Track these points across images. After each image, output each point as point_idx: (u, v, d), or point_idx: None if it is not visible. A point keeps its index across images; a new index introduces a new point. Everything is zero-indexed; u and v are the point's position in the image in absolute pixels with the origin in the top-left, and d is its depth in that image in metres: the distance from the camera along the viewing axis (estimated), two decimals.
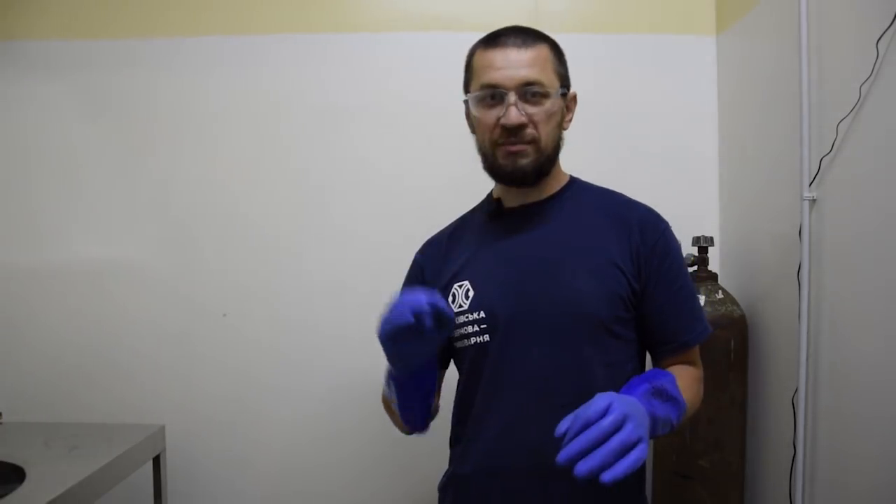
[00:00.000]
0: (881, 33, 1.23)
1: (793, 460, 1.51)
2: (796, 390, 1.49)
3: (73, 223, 1.98)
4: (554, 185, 1.16)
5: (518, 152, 1.08)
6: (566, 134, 1.15)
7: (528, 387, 1.07)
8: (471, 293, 1.12)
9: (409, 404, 1.15)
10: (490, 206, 1.21)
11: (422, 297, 0.94)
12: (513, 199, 1.17)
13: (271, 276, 1.97)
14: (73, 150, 1.97)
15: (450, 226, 1.27)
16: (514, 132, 1.06)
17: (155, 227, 1.97)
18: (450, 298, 1.14)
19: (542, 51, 1.08)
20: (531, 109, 1.06)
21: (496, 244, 1.15)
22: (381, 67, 1.97)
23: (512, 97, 1.05)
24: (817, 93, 1.45)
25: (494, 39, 1.09)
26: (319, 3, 1.98)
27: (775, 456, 1.64)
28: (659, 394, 0.95)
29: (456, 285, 1.14)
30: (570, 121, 1.15)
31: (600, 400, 0.83)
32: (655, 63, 1.96)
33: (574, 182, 1.20)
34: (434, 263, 1.22)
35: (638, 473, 1.10)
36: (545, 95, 1.07)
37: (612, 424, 0.80)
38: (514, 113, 1.05)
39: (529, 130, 1.07)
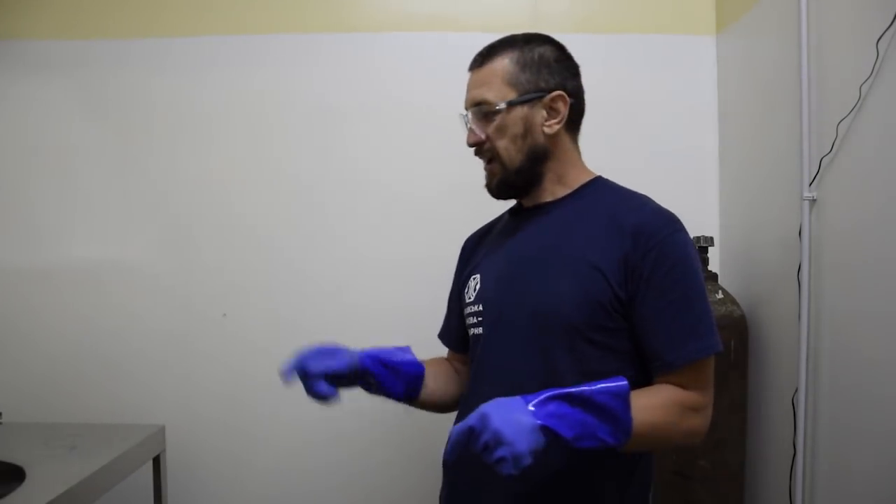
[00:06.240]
0: (881, 33, 1.23)
1: (793, 460, 1.51)
2: (796, 390, 1.49)
3: (72, 222, 1.98)
4: (568, 187, 1.15)
5: (488, 172, 1.15)
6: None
7: (502, 383, 1.04)
8: (478, 286, 1.17)
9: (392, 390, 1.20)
10: (515, 205, 1.25)
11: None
12: (529, 199, 1.18)
13: (270, 275, 1.97)
14: (71, 149, 1.97)
15: (491, 221, 1.31)
16: (476, 152, 1.14)
17: (154, 227, 1.97)
18: (465, 289, 1.21)
19: (498, 64, 1.10)
20: (485, 127, 1.11)
21: (506, 241, 1.19)
22: (380, 68, 1.97)
23: (468, 119, 1.13)
24: (817, 93, 1.45)
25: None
26: (318, 3, 1.97)
27: (775, 456, 1.64)
28: (575, 401, 0.88)
29: (472, 277, 1.20)
30: (559, 122, 1.10)
31: (472, 419, 0.88)
32: (655, 63, 1.96)
33: (595, 182, 1.17)
34: (466, 256, 1.29)
35: (616, 479, 1.06)
36: (494, 112, 1.09)
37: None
38: (469, 134, 1.13)
39: (487, 146, 1.12)
